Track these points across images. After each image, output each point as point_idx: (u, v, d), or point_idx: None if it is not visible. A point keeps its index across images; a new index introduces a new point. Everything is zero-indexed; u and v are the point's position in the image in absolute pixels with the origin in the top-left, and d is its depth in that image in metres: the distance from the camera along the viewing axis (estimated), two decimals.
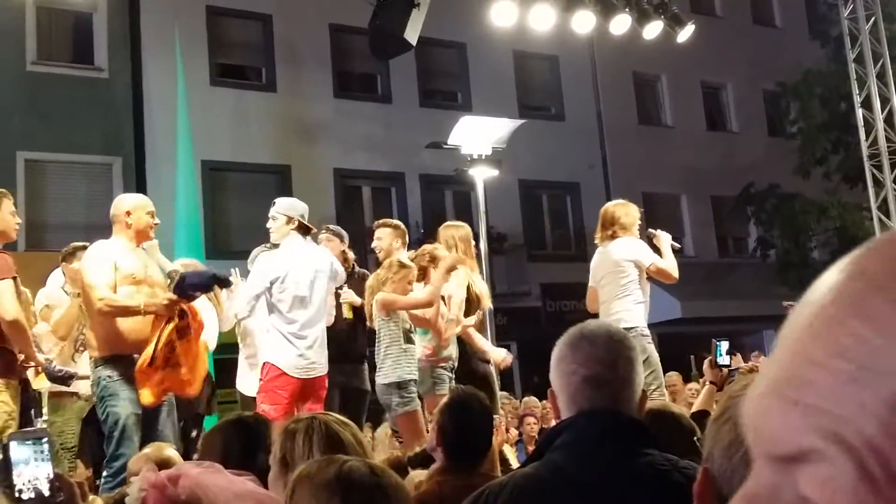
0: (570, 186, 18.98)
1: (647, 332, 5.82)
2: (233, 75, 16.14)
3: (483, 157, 9.36)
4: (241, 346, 6.35)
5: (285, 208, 5.47)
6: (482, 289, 6.08)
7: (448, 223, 6.40)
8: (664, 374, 11.42)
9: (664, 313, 17.76)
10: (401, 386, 5.19)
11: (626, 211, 6.03)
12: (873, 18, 11.36)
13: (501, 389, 6.71)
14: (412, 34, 7.98)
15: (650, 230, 6.14)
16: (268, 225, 5.55)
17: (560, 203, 19.19)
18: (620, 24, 9.68)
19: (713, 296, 18.46)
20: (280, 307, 5.27)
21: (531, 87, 18.98)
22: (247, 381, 6.14)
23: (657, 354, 5.86)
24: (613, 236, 5.94)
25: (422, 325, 5.55)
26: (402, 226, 6.30)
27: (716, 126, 21.38)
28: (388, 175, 16.99)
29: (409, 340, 5.34)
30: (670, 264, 5.95)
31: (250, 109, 15.64)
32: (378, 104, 17.19)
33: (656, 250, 6.04)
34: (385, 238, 6.04)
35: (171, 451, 3.78)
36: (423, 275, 5.58)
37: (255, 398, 5.93)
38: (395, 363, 5.22)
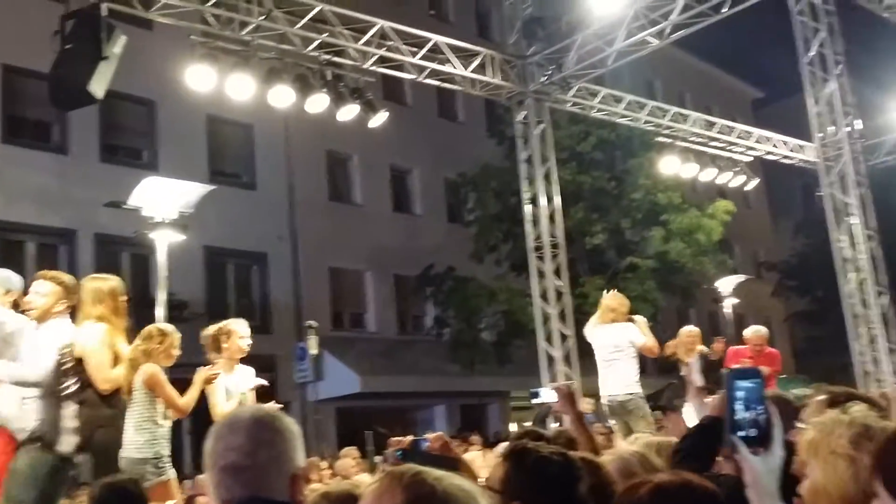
0: (257, 256, 18.75)
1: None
2: None
3: (167, 221, 8.96)
4: None
5: (2, 280, 5.37)
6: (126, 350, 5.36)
7: (92, 276, 5.52)
8: (340, 448, 11.48)
9: (343, 388, 17.94)
10: (156, 457, 5.16)
11: (622, 302, 7.88)
12: (542, 125, 12.57)
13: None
14: (98, 87, 7.46)
15: (629, 315, 7.82)
16: None
17: (246, 272, 18.86)
18: (317, 103, 9.85)
19: (391, 371, 19.00)
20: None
21: (223, 153, 18.65)
22: None
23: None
24: (614, 320, 7.69)
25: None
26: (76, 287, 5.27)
27: (401, 208, 22.39)
28: (58, 231, 15.67)
29: (166, 416, 5.30)
30: (652, 342, 7.72)
31: None
32: (52, 154, 15.90)
33: None
34: (50, 297, 5.05)
35: None
36: (217, 348, 5.75)
37: None
38: (151, 439, 5.17)
